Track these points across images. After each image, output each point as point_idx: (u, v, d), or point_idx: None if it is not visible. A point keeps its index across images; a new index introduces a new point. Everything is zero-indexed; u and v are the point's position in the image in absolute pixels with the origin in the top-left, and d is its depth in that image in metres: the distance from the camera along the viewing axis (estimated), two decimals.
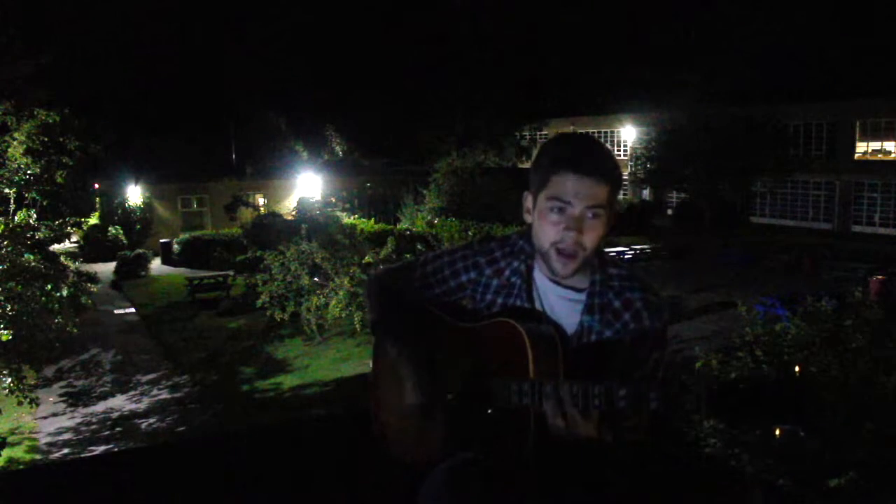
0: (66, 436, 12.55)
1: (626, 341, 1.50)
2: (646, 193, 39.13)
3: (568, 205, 1.44)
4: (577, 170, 1.43)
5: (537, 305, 1.57)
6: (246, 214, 31.15)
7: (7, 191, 15.86)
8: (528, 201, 1.54)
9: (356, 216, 32.07)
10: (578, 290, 1.54)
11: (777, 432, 1.17)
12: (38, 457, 11.67)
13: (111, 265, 27.17)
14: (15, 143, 15.70)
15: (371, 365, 1.81)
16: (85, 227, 27.76)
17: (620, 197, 37.77)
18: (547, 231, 1.47)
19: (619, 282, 1.53)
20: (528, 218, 1.54)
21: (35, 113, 15.76)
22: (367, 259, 16.53)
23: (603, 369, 1.47)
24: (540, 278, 1.57)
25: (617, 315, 1.51)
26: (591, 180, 1.43)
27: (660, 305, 1.53)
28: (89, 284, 13.19)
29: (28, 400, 10.03)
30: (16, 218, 12.26)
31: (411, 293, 1.71)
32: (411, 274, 1.72)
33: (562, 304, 1.54)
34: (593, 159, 1.45)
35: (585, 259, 1.48)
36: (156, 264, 28.36)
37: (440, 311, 1.66)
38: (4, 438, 11.38)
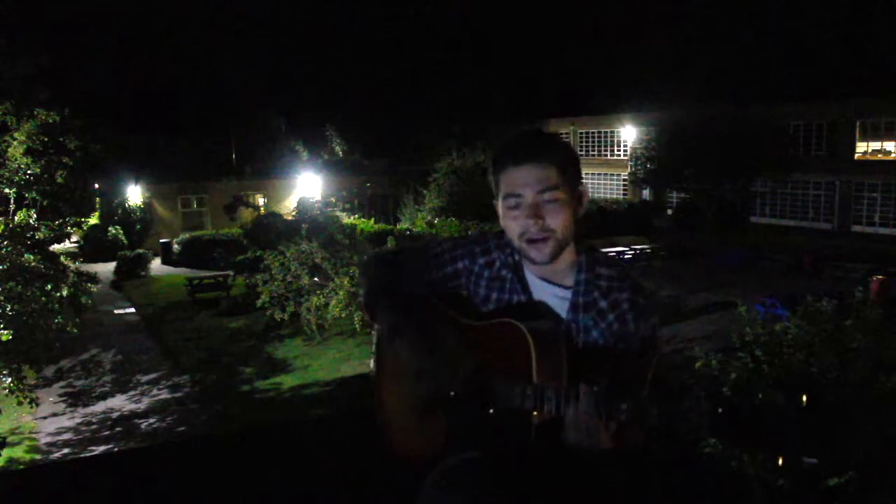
0: (66, 436, 12.54)
1: (611, 343, 1.49)
2: (646, 193, 39.12)
3: (520, 197, 1.47)
4: (516, 161, 1.47)
5: (531, 299, 1.57)
6: (246, 214, 31.17)
7: (7, 191, 15.85)
8: (497, 207, 1.56)
9: (356, 216, 32.07)
10: (565, 288, 1.53)
11: (780, 461, 1.15)
12: (38, 457, 11.66)
13: (111, 265, 27.17)
14: (15, 143, 15.70)
15: (372, 363, 1.81)
16: (85, 227, 27.75)
17: (620, 197, 37.95)
18: (510, 227, 1.50)
19: (606, 282, 1.52)
20: (502, 223, 1.56)
21: (35, 113, 15.76)
22: None
23: (591, 371, 1.46)
24: (529, 275, 1.58)
25: (602, 315, 1.50)
26: (534, 166, 1.46)
27: (648, 308, 1.51)
28: (89, 284, 13.17)
29: (28, 400, 10.03)
30: (16, 218, 12.26)
31: (411, 274, 1.68)
32: (412, 256, 1.71)
33: (550, 301, 1.54)
34: (530, 147, 1.48)
35: (560, 244, 1.48)
36: (156, 264, 28.35)
37: (442, 302, 1.65)
38: (4, 438, 11.38)
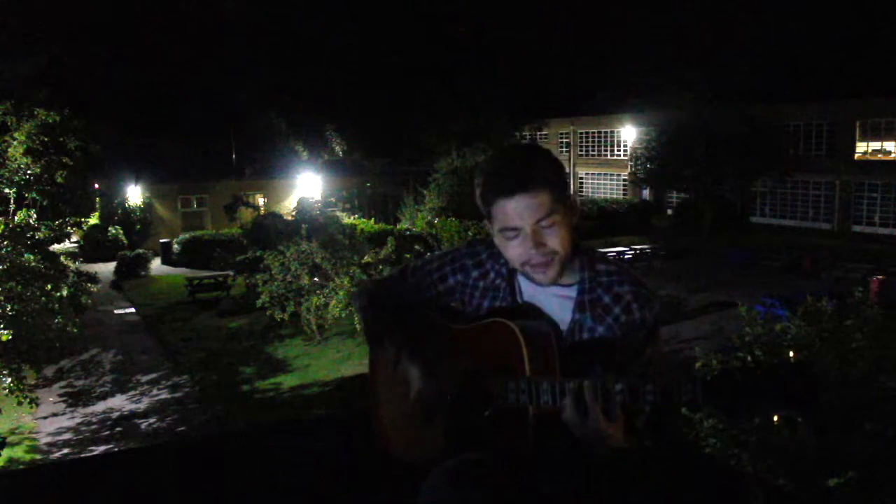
0: (66, 436, 12.55)
1: (618, 336, 1.50)
2: (646, 193, 39.13)
3: (517, 229, 1.44)
4: (507, 194, 1.42)
5: (523, 303, 1.57)
6: (246, 214, 31.16)
7: (7, 191, 15.88)
8: (490, 229, 1.53)
9: (356, 216, 32.08)
10: (566, 287, 1.54)
11: (776, 419, 1.17)
12: (38, 457, 11.67)
13: (111, 265, 27.18)
14: (15, 143, 15.72)
15: (369, 366, 1.82)
16: (85, 227, 27.77)
17: (620, 197, 37.84)
18: (512, 255, 1.48)
19: (607, 277, 1.53)
20: (501, 250, 1.54)
21: (35, 113, 15.77)
22: (367, 259, 16.53)
23: (597, 365, 1.47)
24: (525, 278, 1.58)
25: (607, 310, 1.51)
26: (526, 196, 1.41)
27: (650, 298, 1.52)
28: (89, 284, 13.21)
29: (28, 400, 10.04)
30: (16, 218, 12.27)
31: (402, 298, 1.71)
32: (401, 281, 1.73)
33: (551, 301, 1.54)
34: (518, 176, 1.42)
35: (563, 259, 1.48)
36: (156, 264, 28.36)
37: (433, 313, 1.66)
38: (4, 438, 11.39)
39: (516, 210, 1.42)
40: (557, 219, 1.44)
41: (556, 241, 1.45)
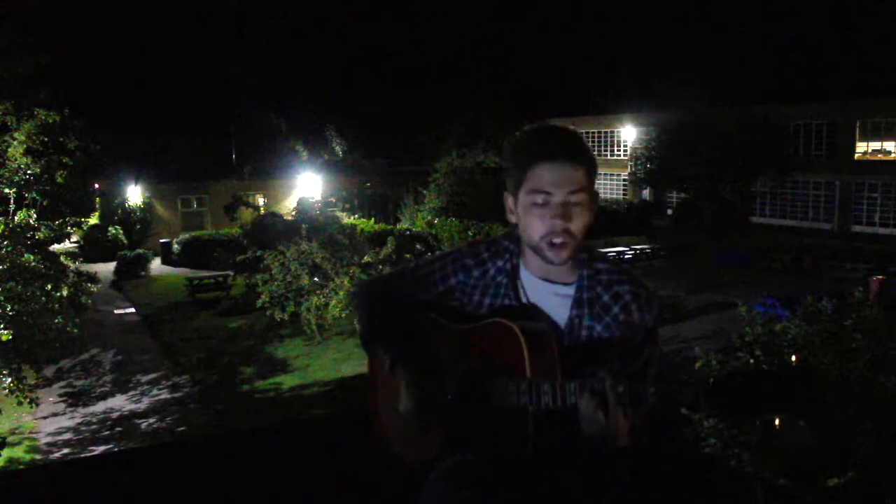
0: (66, 436, 12.54)
1: (616, 335, 1.50)
2: (646, 193, 39.13)
3: (549, 195, 1.44)
4: (551, 158, 1.44)
5: (524, 302, 1.56)
6: (246, 214, 31.16)
7: (7, 191, 15.86)
8: (510, 201, 1.54)
9: (356, 216, 32.08)
10: (566, 285, 1.53)
11: (777, 422, 1.17)
12: (38, 457, 11.67)
13: (111, 265, 27.17)
14: (15, 143, 15.70)
15: (368, 366, 1.82)
16: (85, 227, 27.75)
17: (620, 197, 37.92)
18: (534, 225, 1.47)
19: (607, 276, 1.53)
20: (511, 218, 1.54)
21: (35, 113, 15.76)
22: (367, 259, 16.52)
23: (595, 364, 1.47)
24: (526, 276, 1.57)
25: (606, 308, 1.51)
26: (568, 166, 1.44)
27: (649, 298, 1.53)
28: (89, 284, 13.17)
29: (28, 400, 10.03)
30: (16, 218, 12.27)
31: (402, 298, 1.71)
32: (401, 280, 1.72)
33: (550, 299, 1.54)
34: (565, 145, 1.46)
35: (576, 246, 1.48)
36: (156, 264, 28.35)
37: (433, 313, 1.66)
38: (4, 438, 11.37)
39: (554, 176, 1.44)
40: (585, 199, 1.46)
41: (578, 223, 1.46)
